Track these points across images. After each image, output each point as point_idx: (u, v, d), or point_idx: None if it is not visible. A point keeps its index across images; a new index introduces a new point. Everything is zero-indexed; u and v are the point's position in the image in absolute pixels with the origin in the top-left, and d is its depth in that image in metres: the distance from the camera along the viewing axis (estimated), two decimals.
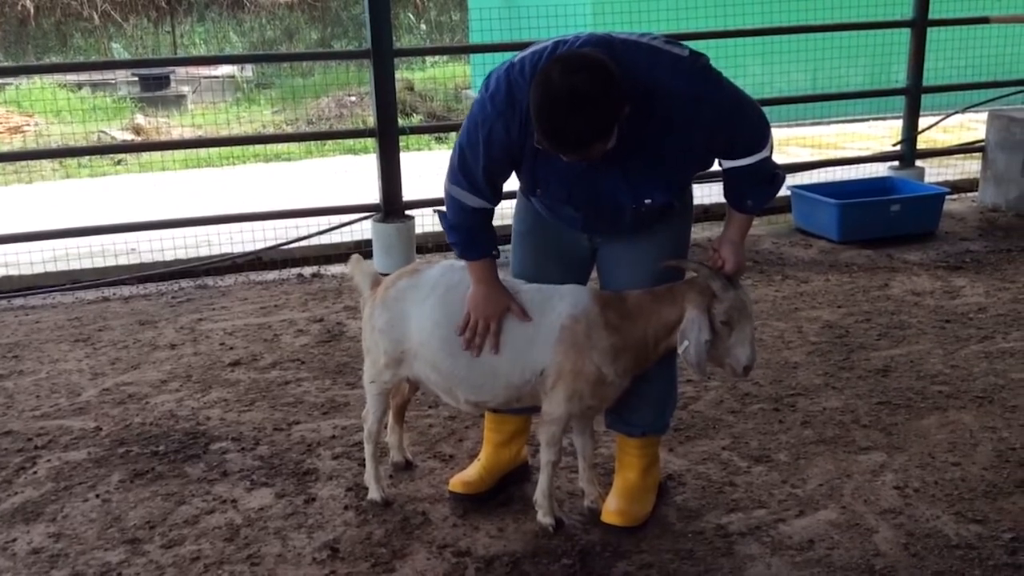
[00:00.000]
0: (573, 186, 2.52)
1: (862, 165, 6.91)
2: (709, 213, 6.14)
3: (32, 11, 16.83)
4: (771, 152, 2.56)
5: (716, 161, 2.59)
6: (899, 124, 6.78)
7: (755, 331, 2.63)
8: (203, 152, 8.52)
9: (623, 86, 2.24)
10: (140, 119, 10.97)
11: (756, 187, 2.59)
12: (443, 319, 2.70)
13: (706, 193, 5.75)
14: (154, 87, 12.62)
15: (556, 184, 2.53)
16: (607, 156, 2.35)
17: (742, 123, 2.48)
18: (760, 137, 2.50)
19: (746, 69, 7.21)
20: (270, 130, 10.70)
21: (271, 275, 5.47)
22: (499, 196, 2.61)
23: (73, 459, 3.33)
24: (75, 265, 5.42)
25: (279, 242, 5.62)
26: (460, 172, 2.54)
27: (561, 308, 2.64)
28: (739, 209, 2.65)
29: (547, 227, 2.74)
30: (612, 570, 2.65)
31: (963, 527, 2.82)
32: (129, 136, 10.34)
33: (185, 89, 12.86)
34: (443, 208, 2.67)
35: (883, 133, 8.98)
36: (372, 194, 5.71)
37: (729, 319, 2.56)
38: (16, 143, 10.25)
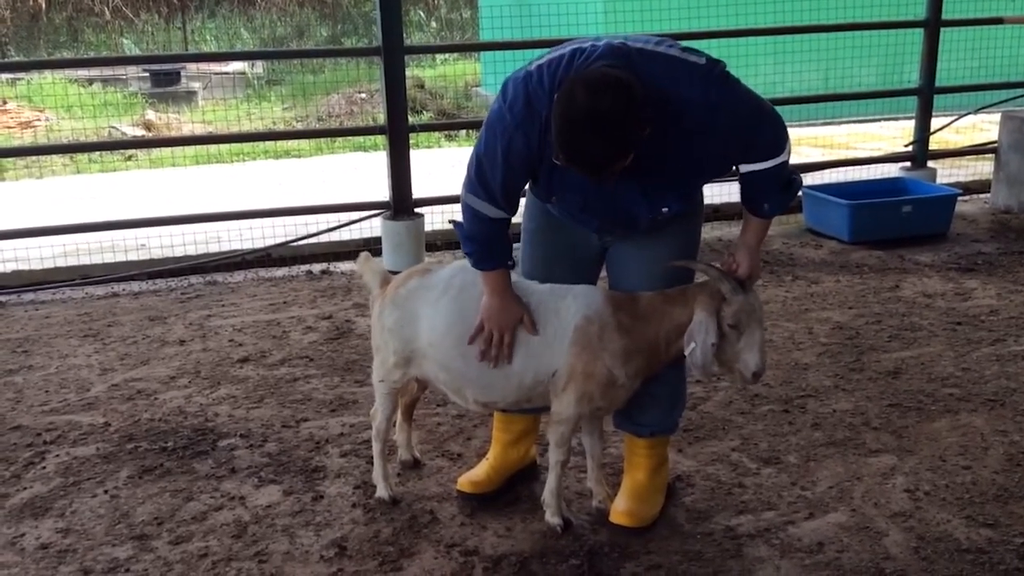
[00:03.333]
0: (589, 197, 2.51)
1: (874, 165, 6.88)
2: (720, 213, 6.13)
3: (44, 6, 16.88)
4: (789, 156, 2.54)
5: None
6: (911, 125, 6.75)
7: (766, 337, 2.61)
8: (213, 148, 8.54)
9: (646, 106, 2.23)
10: (151, 115, 10.98)
11: (773, 192, 2.57)
12: (458, 319, 2.69)
13: (717, 192, 5.73)
14: (165, 83, 12.63)
15: (572, 194, 2.52)
16: (624, 169, 2.33)
17: (759, 129, 2.46)
18: (778, 142, 2.49)
19: (758, 68, 7.18)
20: (280, 127, 10.71)
21: (280, 272, 5.47)
22: (516, 206, 2.59)
23: (82, 454, 3.33)
24: (85, 260, 5.43)
25: (288, 239, 5.62)
26: (478, 182, 2.52)
27: (575, 309, 2.63)
28: (756, 214, 2.63)
29: (557, 227, 2.73)
30: (620, 571, 2.64)
31: (974, 531, 2.80)
32: (140, 132, 10.35)
33: (196, 85, 12.86)
34: (458, 218, 2.65)
35: (895, 134, 8.93)
36: (382, 191, 5.71)
37: (737, 323, 2.54)
38: (27, 138, 10.27)
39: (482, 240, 2.60)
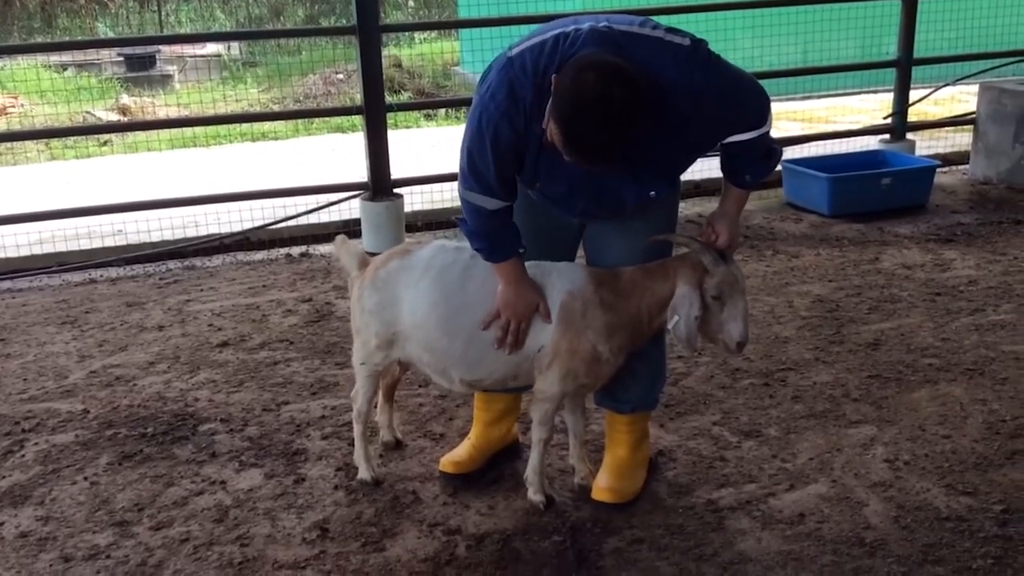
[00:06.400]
0: (575, 183, 2.49)
1: (853, 139, 6.88)
2: (701, 188, 6.12)
3: None
4: (770, 127, 2.53)
5: None
6: (890, 97, 6.75)
7: (748, 307, 2.62)
8: (189, 132, 8.44)
9: (648, 98, 2.22)
10: (126, 99, 10.86)
11: (754, 162, 2.57)
12: (440, 299, 2.67)
13: (697, 168, 5.70)
14: (140, 67, 12.47)
15: (558, 180, 2.50)
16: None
17: (745, 106, 2.45)
18: (761, 114, 2.48)
19: (736, 43, 7.16)
20: (257, 109, 10.60)
21: (259, 255, 5.44)
22: (514, 193, 2.54)
23: (61, 442, 3.31)
24: (61, 247, 5.38)
25: (267, 222, 5.58)
26: (472, 177, 2.49)
27: (558, 286, 2.62)
28: (737, 184, 2.63)
29: (533, 205, 2.70)
30: (603, 546, 2.65)
31: (953, 499, 2.82)
32: (115, 117, 10.22)
33: (171, 69, 12.72)
34: (462, 215, 2.61)
35: (874, 106, 8.94)
36: (360, 173, 5.67)
37: (720, 294, 2.54)
38: (1, 124, 10.14)
39: (487, 234, 2.57)
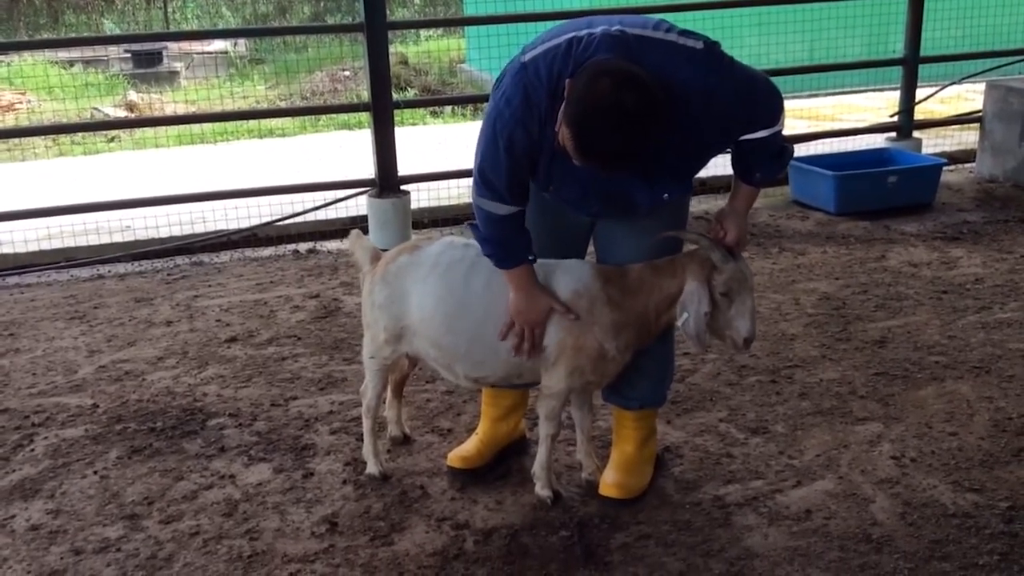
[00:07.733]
0: (589, 186, 2.50)
1: (859, 136, 6.88)
2: (706, 185, 6.13)
3: None
4: (783, 126, 2.54)
5: None
6: (896, 95, 6.75)
7: (756, 304, 2.62)
8: (197, 128, 8.45)
9: (664, 107, 2.22)
10: (133, 96, 10.89)
11: (766, 160, 2.57)
12: (446, 295, 2.69)
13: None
14: (147, 64, 12.51)
15: (571, 184, 2.51)
16: None
17: (759, 105, 2.46)
18: (774, 113, 2.49)
19: (742, 40, 7.16)
20: (264, 106, 10.63)
21: (267, 251, 5.46)
22: (526, 198, 2.55)
23: (70, 436, 3.33)
24: (70, 243, 5.40)
25: (274, 218, 5.60)
26: (483, 183, 2.49)
27: (565, 283, 2.63)
28: (747, 182, 2.64)
29: (546, 205, 2.71)
30: (610, 541, 2.66)
31: (960, 496, 2.83)
32: (122, 113, 10.26)
33: (178, 65, 12.76)
34: (475, 221, 2.62)
35: (880, 104, 8.93)
36: (367, 169, 5.68)
37: (729, 291, 2.55)
38: (8, 121, 10.17)
39: (499, 241, 2.57)
